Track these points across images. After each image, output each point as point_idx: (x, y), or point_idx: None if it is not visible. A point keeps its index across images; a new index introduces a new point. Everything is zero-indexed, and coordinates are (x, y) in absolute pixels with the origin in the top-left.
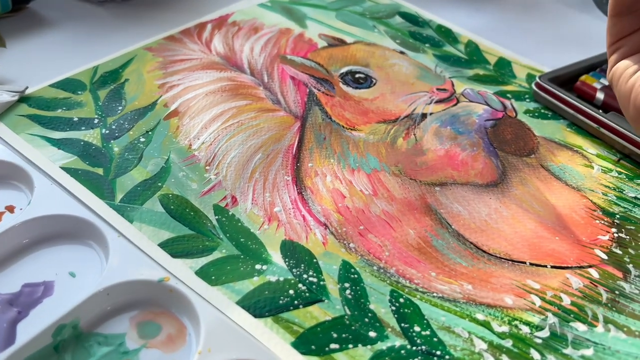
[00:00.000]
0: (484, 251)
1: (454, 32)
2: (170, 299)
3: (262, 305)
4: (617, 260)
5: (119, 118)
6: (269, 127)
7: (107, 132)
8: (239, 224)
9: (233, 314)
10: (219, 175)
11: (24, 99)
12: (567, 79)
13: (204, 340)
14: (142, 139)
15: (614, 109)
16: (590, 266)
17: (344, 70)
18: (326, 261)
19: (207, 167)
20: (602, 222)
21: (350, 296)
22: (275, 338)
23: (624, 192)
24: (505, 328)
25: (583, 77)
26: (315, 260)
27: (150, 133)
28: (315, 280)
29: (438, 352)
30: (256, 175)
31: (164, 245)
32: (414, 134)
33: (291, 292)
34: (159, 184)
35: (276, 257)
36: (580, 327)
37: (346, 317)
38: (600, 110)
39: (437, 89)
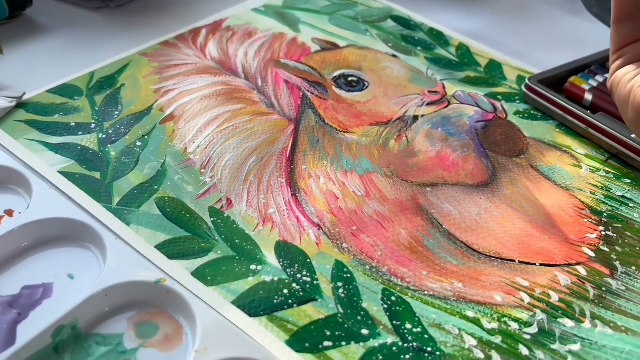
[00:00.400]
0: (474, 250)
1: (445, 35)
2: (167, 300)
3: (257, 304)
4: (604, 258)
5: (115, 123)
6: (263, 130)
7: (104, 136)
8: (234, 225)
9: (228, 313)
10: (214, 178)
11: (21, 104)
12: (557, 80)
13: (200, 339)
14: (138, 143)
15: (603, 110)
16: (578, 264)
17: (336, 73)
18: (320, 261)
19: (203, 170)
20: (590, 220)
21: (343, 295)
22: (270, 336)
23: (611, 191)
24: (494, 325)
25: (572, 79)
26: (309, 260)
27: (146, 137)
28: (309, 279)
29: (429, 349)
30: (251, 177)
31: (160, 247)
32: (406, 136)
33: (285, 291)
34: (155, 187)
35: (271, 257)
36: (568, 323)
37: (339, 315)
38: (589, 111)
39: (429, 92)
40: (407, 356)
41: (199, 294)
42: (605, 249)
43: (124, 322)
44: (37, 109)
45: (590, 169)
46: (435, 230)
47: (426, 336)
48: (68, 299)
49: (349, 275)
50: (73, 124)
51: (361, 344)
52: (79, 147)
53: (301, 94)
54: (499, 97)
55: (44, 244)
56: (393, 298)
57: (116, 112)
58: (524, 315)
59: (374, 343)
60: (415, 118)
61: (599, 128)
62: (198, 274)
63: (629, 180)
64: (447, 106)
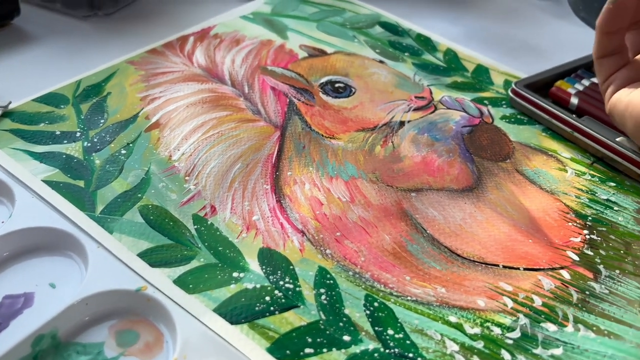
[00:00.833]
0: (458, 255)
1: (433, 40)
2: (147, 308)
3: (239, 312)
4: (588, 262)
5: (100, 131)
6: (249, 137)
7: (89, 145)
8: (218, 233)
9: (209, 321)
10: (198, 185)
11: (7, 113)
12: (543, 84)
13: (180, 347)
14: (123, 151)
15: (589, 113)
16: (562, 267)
17: (323, 80)
18: (303, 267)
19: (187, 178)
20: (575, 224)
21: (325, 301)
22: (250, 344)
23: (596, 194)
24: (477, 330)
25: (558, 83)
26: (292, 267)
27: (131, 145)
28: (291, 286)
29: (410, 355)
30: (235, 184)
31: (143, 255)
32: (392, 142)
33: (267, 298)
34: (139, 195)
35: (253, 264)
36: (551, 327)
37: (321, 322)
38: (574, 115)
39: (416, 97)
40: None
41: (180, 302)
42: (590, 252)
43: (105, 331)
44: (22, 118)
45: (575, 173)
46: (419, 235)
47: (408, 342)
48: (49, 308)
49: (331, 282)
50: (58, 133)
51: (343, 350)
52: (64, 156)
53: (288, 100)
54: (485, 101)
55: (26, 253)
56: (376, 304)
57: (102, 121)
58: (507, 320)
59: (355, 349)
60: (402, 124)
61: (585, 132)
62: (180, 281)
63: (614, 183)
64: (433, 111)
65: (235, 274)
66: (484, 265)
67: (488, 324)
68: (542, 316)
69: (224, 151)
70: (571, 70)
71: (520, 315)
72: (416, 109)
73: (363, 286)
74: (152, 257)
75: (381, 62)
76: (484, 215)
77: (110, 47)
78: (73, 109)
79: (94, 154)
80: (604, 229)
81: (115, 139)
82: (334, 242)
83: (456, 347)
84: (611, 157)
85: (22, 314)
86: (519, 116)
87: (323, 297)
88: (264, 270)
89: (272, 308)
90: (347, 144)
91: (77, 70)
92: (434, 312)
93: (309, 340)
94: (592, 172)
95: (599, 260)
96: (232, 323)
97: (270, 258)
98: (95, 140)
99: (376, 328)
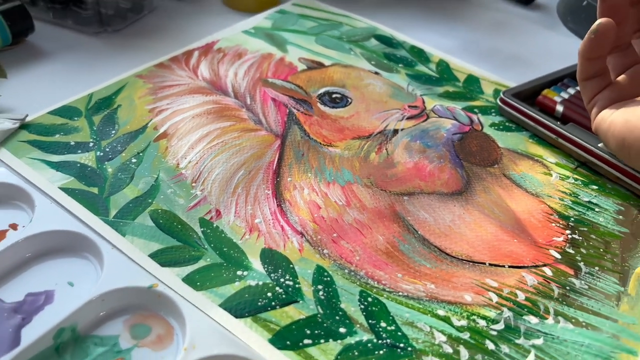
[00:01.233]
0: (447, 254)
1: (426, 52)
2: (159, 303)
3: (243, 307)
4: (569, 259)
5: (112, 141)
6: (251, 145)
7: (102, 154)
8: (223, 235)
9: (216, 315)
10: (204, 191)
11: (24, 126)
12: (531, 93)
13: (189, 338)
14: (133, 160)
15: (573, 120)
16: (545, 265)
17: (321, 91)
18: (302, 266)
19: (194, 184)
20: (558, 225)
21: (323, 297)
22: (254, 335)
23: (579, 197)
24: (463, 322)
25: (545, 91)
26: (291, 265)
27: (141, 154)
28: (291, 283)
29: (401, 345)
30: (239, 190)
31: (153, 256)
32: (386, 149)
33: (269, 294)
34: (149, 201)
35: (256, 263)
36: (533, 319)
37: (319, 315)
38: (559, 122)
39: (409, 106)
40: (381, 352)
41: (188, 298)
42: (571, 251)
43: (120, 325)
44: (39, 130)
45: (560, 177)
46: (410, 236)
47: (399, 333)
48: (68, 304)
49: (328, 279)
50: (73, 143)
51: (339, 341)
52: (78, 165)
53: (287, 110)
54: (475, 110)
55: (46, 255)
56: (369, 299)
57: (113, 131)
58: (492, 313)
59: (350, 340)
60: (396, 132)
61: (569, 138)
62: (188, 279)
63: (596, 186)
64: (426, 120)
65: (239, 272)
66: (471, 263)
67: (474, 317)
68: (525, 309)
69: (228, 159)
70: (557, 79)
71: (505, 309)
72: (409, 118)
73: (358, 283)
74: (162, 258)
75: (376, 73)
76: (472, 217)
77: (120, 61)
78: (86, 121)
79: (106, 162)
80: (585, 229)
81: (126, 149)
82: (331, 243)
83: (444, 338)
84: (594, 161)
85: (43, 310)
86: (507, 123)
87: (321, 293)
88: (265, 269)
89: (273, 303)
90: (343, 151)
91: (88, 84)
92: (424, 306)
93: (308, 332)
94: (575, 176)
95: (579, 258)
96: (236, 317)
97: (271, 257)
98: (107, 149)
99: (370, 321)
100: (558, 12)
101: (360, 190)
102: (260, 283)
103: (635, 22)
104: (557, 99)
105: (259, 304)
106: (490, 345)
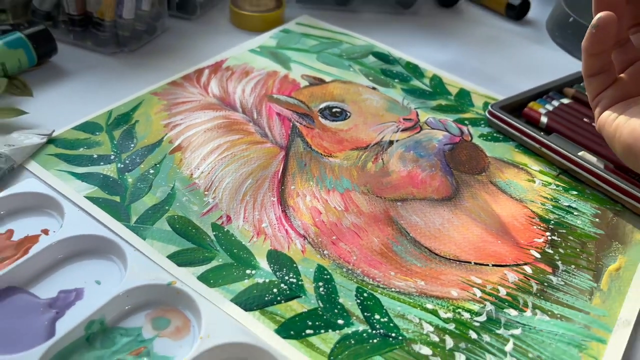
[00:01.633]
0: (436, 254)
1: (420, 67)
2: (177, 299)
3: (251, 301)
4: (548, 259)
5: (131, 154)
6: (258, 156)
7: (122, 166)
8: (233, 238)
9: (228, 308)
10: (215, 198)
11: (51, 140)
12: (518, 105)
13: (204, 329)
14: (151, 171)
15: (556, 131)
16: (525, 264)
17: (322, 105)
18: (304, 265)
19: (206, 192)
20: (539, 227)
21: (323, 292)
22: (261, 326)
23: (559, 201)
24: (449, 315)
25: (531, 104)
26: (295, 265)
27: (158, 165)
28: (294, 280)
29: (393, 334)
30: (247, 197)
31: (171, 257)
32: (382, 159)
33: (275, 290)
34: (166, 208)
35: (263, 263)
36: (512, 312)
37: (319, 309)
38: (543, 133)
39: (404, 119)
40: (375, 340)
41: (203, 294)
42: (550, 251)
43: (142, 318)
44: (64, 144)
45: (542, 183)
46: (403, 238)
47: (391, 324)
48: (96, 300)
49: (328, 277)
50: (95, 156)
51: (337, 331)
52: (101, 176)
53: (291, 124)
54: (466, 122)
55: (75, 256)
56: (365, 294)
57: (132, 145)
58: (475, 307)
59: (347, 330)
60: (391, 143)
61: (552, 147)
62: (202, 277)
63: (576, 192)
64: (419, 131)
65: (248, 271)
66: (458, 262)
67: (459, 310)
68: (506, 303)
69: (237, 169)
70: (543, 92)
71: (487, 303)
72: (404, 130)
73: (355, 280)
74: (179, 258)
75: (374, 88)
76: (460, 220)
77: (136, 80)
78: (107, 136)
79: (126, 173)
80: (564, 231)
81: (144, 161)
82: (331, 244)
83: (431, 328)
84: (574, 169)
85: (74, 305)
86: (495, 134)
87: (321, 289)
88: (271, 268)
89: (279, 298)
90: (342, 161)
91: (107, 100)
92: (414, 301)
93: (310, 323)
94: (557, 183)
95: (557, 257)
96: (246, 310)
97: (277, 258)
98: (127, 162)
99: (365, 314)
100: (547, 27)
101: (358, 197)
102: (267, 280)
103: (631, 18)
104: (542, 110)
105: (266, 298)
106: (473, 335)
